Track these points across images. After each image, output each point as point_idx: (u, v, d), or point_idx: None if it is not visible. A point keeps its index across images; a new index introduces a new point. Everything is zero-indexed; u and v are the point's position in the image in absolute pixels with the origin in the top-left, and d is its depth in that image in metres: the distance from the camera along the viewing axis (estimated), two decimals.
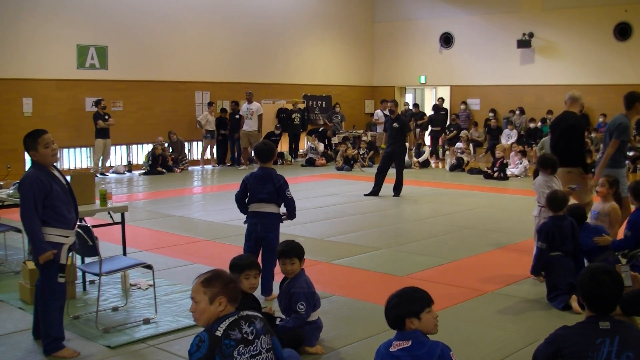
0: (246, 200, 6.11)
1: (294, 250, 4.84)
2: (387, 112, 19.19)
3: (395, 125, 12.38)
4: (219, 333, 3.13)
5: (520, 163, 16.07)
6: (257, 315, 3.34)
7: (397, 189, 12.51)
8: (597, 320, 3.09)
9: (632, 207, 6.29)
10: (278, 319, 4.88)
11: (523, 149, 16.76)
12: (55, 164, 4.86)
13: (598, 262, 5.47)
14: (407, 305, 3.26)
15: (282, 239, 6.21)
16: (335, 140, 19.35)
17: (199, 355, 3.11)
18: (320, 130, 20.07)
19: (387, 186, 12.56)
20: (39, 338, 4.88)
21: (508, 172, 15.71)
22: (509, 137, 18.31)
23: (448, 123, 20.30)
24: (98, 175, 15.14)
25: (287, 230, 8.27)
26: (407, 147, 14.42)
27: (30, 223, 4.59)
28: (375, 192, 12.51)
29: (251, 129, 17.25)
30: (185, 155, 17.32)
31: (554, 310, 5.78)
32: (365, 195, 12.52)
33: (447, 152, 18.48)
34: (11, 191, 7.32)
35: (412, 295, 3.32)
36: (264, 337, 3.28)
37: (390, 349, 3.22)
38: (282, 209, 6.16)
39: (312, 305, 4.76)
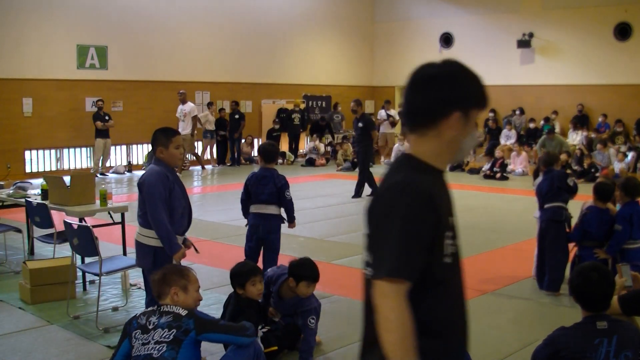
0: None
1: (290, 269, 4.69)
2: (390, 113, 19.35)
3: (360, 124, 12.34)
4: (137, 314, 3.66)
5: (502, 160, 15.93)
6: (174, 312, 3.55)
7: (358, 188, 12.25)
8: (595, 321, 3.09)
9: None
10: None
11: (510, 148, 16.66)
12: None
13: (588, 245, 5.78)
14: None
15: (282, 239, 6.24)
16: (335, 140, 19.35)
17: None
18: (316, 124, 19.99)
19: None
20: None
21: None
22: (507, 138, 18.31)
23: None
24: (98, 175, 15.12)
25: (288, 230, 8.25)
26: (373, 147, 13.75)
27: (163, 222, 4.44)
28: (375, 192, 12.46)
29: (184, 132, 15.50)
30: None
31: (553, 311, 5.79)
32: (367, 196, 12.49)
33: None
34: (11, 191, 7.33)
35: None
36: (160, 331, 3.49)
37: None
38: (284, 213, 6.16)
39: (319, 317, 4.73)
